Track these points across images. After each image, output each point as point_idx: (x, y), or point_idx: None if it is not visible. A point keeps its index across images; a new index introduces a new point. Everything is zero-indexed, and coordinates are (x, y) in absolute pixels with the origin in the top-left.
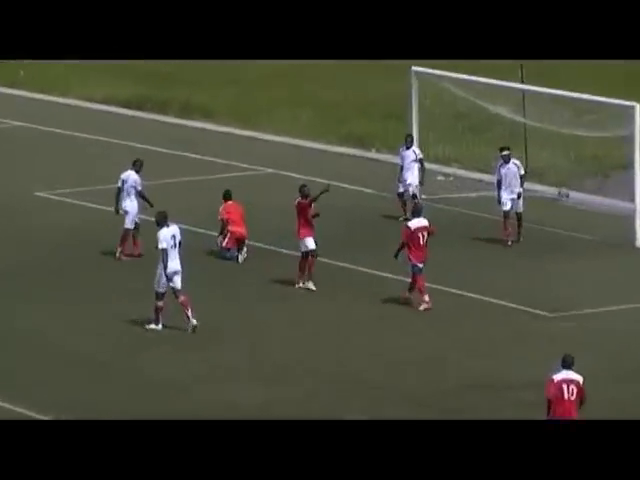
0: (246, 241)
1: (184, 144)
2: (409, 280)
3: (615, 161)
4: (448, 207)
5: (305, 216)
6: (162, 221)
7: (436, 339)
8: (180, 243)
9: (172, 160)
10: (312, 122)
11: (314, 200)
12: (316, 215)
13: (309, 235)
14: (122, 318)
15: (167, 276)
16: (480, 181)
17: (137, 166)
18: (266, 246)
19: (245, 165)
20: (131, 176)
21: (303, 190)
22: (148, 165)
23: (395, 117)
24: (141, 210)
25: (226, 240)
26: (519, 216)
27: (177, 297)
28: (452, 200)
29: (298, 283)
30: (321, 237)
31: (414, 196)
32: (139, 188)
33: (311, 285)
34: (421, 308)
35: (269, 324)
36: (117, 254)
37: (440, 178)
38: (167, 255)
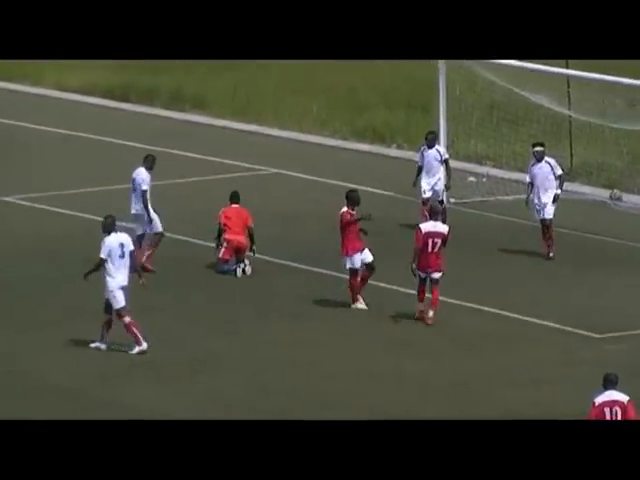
0: (247, 252)
1: (172, 139)
2: (429, 295)
3: None
4: (480, 212)
5: (354, 228)
6: (110, 227)
7: (463, 364)
8: (131, 254)
9: (159, 158)
10: (323, 113)
11: (353, 223)
12: (362, 231)
13: (360, 249)
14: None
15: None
16: (517, 182)
17: (148, 162)
18: (269, 258)
19: (244, 164)
20: (140, 174)
21: (352, 197)
22: (129, 164)
23: (420, 107)
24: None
25: (222, 251)
26: (547, 224)
27: (106, 312)
28: (485, 204)
29: (358, 301)
30: (333, 248)
31: (441, 202)
32: (144, 187)
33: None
34: (417, 316)
35: (272, 348)
36: (149, 266)
37: (471, 179)
38: (104, 266)
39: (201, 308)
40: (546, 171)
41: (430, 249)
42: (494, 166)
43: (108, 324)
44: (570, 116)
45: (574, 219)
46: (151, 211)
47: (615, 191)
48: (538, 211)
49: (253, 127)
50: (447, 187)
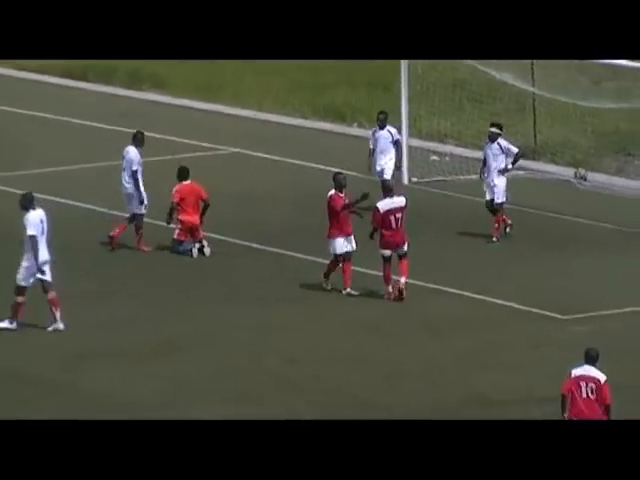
0: (202, 232)
1: (132, 119)
2: (396, 277)
3: None
4: (442, 192)
5: (345, 213)
6: (29, 204)
7: (433, 347)
8: (46, 229)
9: (118, 138)
10: (284, 92)
11: (351, 206)
12: (358, 214)
13: (346, 235)
14: (66, 324)
15: (37, 267)
16: (480, 161)
17: (137, 140)
18: (230, 239)
19: (205, 144)
20: (129, 153)
21: (338, 179)
22: (89, 144)
23: (382, 86)
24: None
25: (177, 232)
26: (495, 208)
27: (46, 292)
28: (448, 184)
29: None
30: (297, 228)
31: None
32: (134, 167)
33: (352, 291)
34: (386, 297)
35: (239, 331)
36: (144, 248)
37: (434, 158)
38: (37, 243)
39: (165, 291)
40: (495, 153)
41: (394, 225)
42: (457, 145)
43: (52, 302)
44: (534, 93)
45: (538, 198)
46: (143, 191)
47: (580, 170)
48: (489, 191)
49: (213, 106)
50: (397, 167)
